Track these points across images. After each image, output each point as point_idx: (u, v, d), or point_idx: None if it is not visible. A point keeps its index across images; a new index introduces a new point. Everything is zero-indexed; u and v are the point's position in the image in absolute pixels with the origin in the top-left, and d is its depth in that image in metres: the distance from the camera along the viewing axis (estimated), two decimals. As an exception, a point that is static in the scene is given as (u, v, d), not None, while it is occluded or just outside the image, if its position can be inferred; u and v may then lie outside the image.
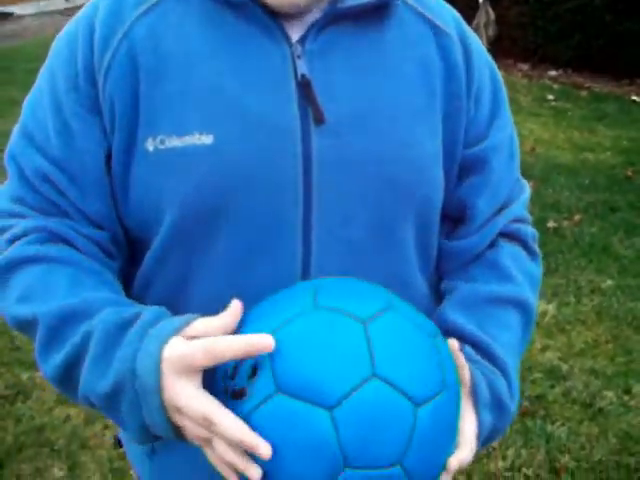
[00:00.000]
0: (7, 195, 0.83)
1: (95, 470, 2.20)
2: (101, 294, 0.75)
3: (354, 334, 0.63)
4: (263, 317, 0.67)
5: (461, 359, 0.77)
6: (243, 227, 0.76)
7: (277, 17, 0.76)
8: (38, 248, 0.77)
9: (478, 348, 0.83)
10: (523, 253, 0.92)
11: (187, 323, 0.68)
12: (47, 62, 0.83)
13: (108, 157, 0.79)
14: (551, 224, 3.78)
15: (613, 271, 3.35)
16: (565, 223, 3.80)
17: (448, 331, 0.83)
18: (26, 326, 0.76)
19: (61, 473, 2.19)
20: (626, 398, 2.53)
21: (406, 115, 0.80)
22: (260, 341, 0.62)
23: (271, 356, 0.62)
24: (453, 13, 0.88)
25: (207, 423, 0.64)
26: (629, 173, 4.44)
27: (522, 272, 0.90)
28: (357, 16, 0.77)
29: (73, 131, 0.77)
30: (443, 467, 0.70)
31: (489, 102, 0.88)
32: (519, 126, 4.80)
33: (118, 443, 1.07)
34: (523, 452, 2.27)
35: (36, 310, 0.73)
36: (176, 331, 0.67)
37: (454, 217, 0.90)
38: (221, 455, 0.65)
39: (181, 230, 0.78)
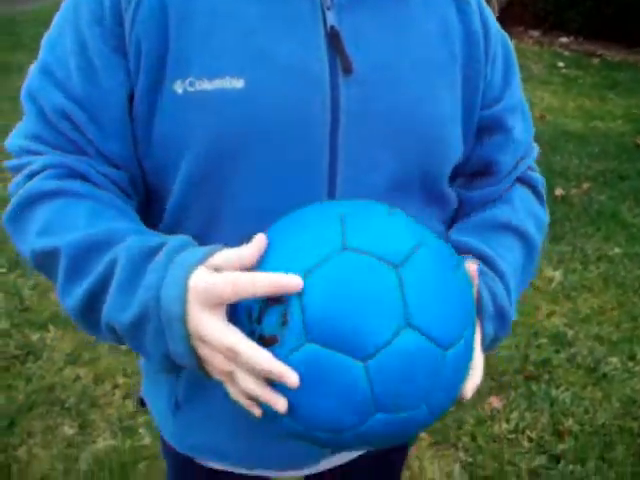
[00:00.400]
0: (23, 132, 0.82)
1: (105, 428, 2.24)
2: (124, 224, 0.75)
3: (387, 282, 0.61)
4: (289, 253, 0.64)
5: (476, 281, 0.78)
6: (269, 172, 0.77)
7: None
8: (57, 183, 0.76)
9: (482, 259, 0.87)
10: (532, 197, 0.98)
11: (212, 253, 0.68)
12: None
13: (129, 98, 0.78)
14: (559, 192, 3.77)
15: (621, 239, 3.35)
16: (573, 191, 3.79)
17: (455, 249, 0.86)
18: (47, 260, 0.75)
19: (71, 431, 2.22)
20: (630, 364, 2.55)
21: (428, 70, 0.82)
22: (289, 282, 0.61)
23: (302, 305, 0.61)
24: None
25: (232, 354, 0.63)
26: (639, 141, 4.41)
27: (529, 212, 0.95)
28: None
29: (96, 69, 0.76)
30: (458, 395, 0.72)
31: (502, 66, 0.91)
32: (529, 93, 4.79)
33: (141, 403, 1.09)
34: (527, 415, 2.30)
35: (57, 242, 0.73)
36: (201, 260, 0.66)
37: (476, 172, 0.94)
38: (244, 387, 0.65)
39: (205, 174, 0.78)
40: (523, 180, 0.98)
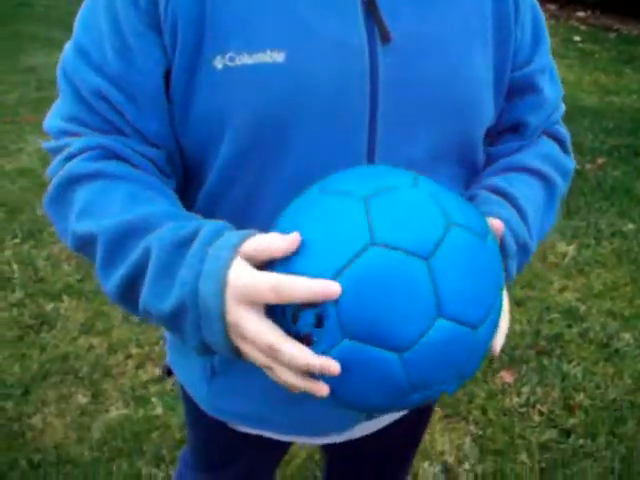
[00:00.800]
0: (60, 113, 0.82)
1: (118, 397, 2.26)
2: (159, 207, 0.75)
3: (418, 276, 0.61)
4: (318, 249, 0.64)
5: (500, 233, 0.79)
6: (310, 143, 0.77)
7: None
8: (95, 165, 0.77)
9: (502, 195, 0.88)
10: (557, 147, 0.99)
11: (245, 239, 0.67)
12: None
13: (166, 76, 0.77)
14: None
15: (635, 215, 3.32)
16: (588, 166, 3.76)
17: (478, 188, 0.90)
18: (85, 244, 0.76)
19: (85, 400, 2.25)
20: (643, 340, 2.54)
21: (462, 35, 0.82)
22: (328, 290, 0.61)
23: (336, 304, 0.61)
24: None
25: (272, 352, 0.64)
26: (655, 117, 4.36)
27: (552, 159, 0.96)
28: None
29: (132, 48, 0.76)
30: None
31: (531, 28, 0.91)
32: (544, 68, 4.68)
33: (167, 372, 1.10)
34: (538, 389, 2.30)
35: (94, 227, 0.73)
36: (234, 249, 0.66)
37: (504, 130, 0.96)
38: (285, 380, 0.66)
39: (247, 148, 0.77)
40: (549, 133, 0.99)
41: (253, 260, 0.66)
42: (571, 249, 3.06)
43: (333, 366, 0.62)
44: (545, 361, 2.43)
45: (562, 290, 2.80)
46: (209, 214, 0.82)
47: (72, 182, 0.77)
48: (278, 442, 1.05)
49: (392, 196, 0.65)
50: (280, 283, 0.63)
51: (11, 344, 2.48)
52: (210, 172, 0.82)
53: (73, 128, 0.80)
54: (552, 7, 6.72)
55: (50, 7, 6.81)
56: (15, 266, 2.91)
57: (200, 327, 0.68)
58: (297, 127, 0.76)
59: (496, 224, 0.77)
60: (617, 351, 2.49)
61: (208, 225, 0.71)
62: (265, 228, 0.71)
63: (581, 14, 6.57)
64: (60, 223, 0.80)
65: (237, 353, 0.69)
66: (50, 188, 0.79)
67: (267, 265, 0.66)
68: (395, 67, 0.77)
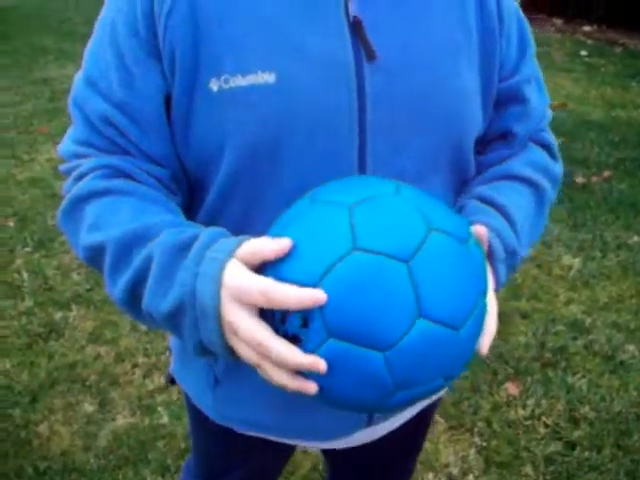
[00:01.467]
0: (72, 138, 0.88)
1: (124, 406, 2.28)
2: (163, 217, 0.79)
3: (398, 279, 0.64)
4: (305, 253, 0.67)
5: (485, 239, 0.81)
6: (304, 159, 0.80)
7: None
8: (104, 182, 0.82)
9: (490, 204, 0.90)
10: (545, 154, 1.01)
11: (239, 244, 0.71)
12: (105, 12, 0.85)
13: (167, 100, 0.82)
14: (580, 179, 3.75)
15: (641, 228, 3.34)
16: (594, 179, 3.77)
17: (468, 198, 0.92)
18: (95, 255, 0.80)
19: (91, 408, 2.27)
20: (648, 352, 2.54)
21: (448, 49, 0.84)
22: (312, 297, 0.64)
23: (321, 309, 0.64)
24: None
25: (262, 349, 0.67)
26: (661, 130, 4.37)
27: (541, 165, 0.98)
28: None
29: (134, 76, 0.81)
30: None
31: (517, 38, 0.93)
32: (550, 81, 4.75)
33: (170, 380, 1.13)
34: (543, 402, 2.31)
35: (103, 237, 0.78)
36: (230, 253, 0.70)
37: (492, 139, 0.98)
38: (275, 378, 0.69)
39: (244, 166, 0.81)
40: (536, 140, 1.01)
41: (248, 263, 0.69)
42: (577, 262, 3.06)
43: (320, 364, 0.65)
44: (550, 373, 2.43)
45: (568, 302, 2.81)
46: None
47: (82, 199, 0.82)
48: (281, 446, 1.07)
49: (375, 203, 0.68)
50: (270, 290, 0.66)
51: (20, 352, 2.51)
52: (211, 189, 0.86)
53: (83, 151, 0.86)
54: (558, 22, 6.75)
55: (63, 21, 6.90)
56: (25, 275, 2.94)
57: (198, 327, 0.71)
58: (290, 144, 0.79)
59: (480, 230, 0.79)
60: (622, 363, 2.49)
61: (207, 230, 0.75)
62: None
63: (587, 28, 6.60)
64: (73, 237, 0.84)
65: (232, 353, 0.72)
66: (63, 205, 0.84)
67: (259, 267, 0.69)
68: (382, 83, 0.80)
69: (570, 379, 2.40)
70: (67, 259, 3.06)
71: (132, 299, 0.78)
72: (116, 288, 0.78)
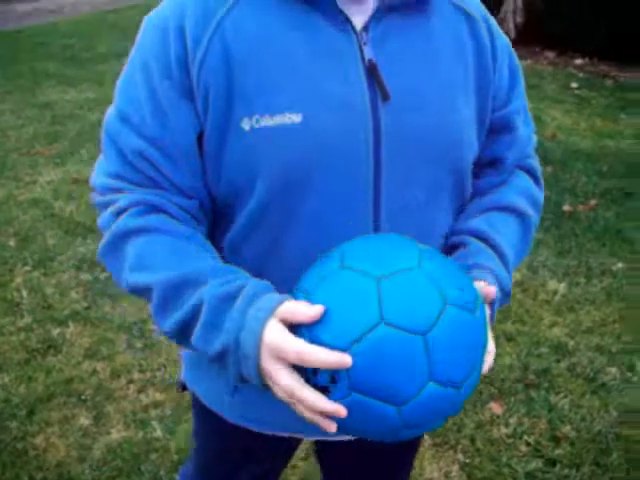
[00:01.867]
0: (105, 172, 0.95)
1: (119, 420, 2.34)
2: (206, 263, 0.89)
3: (415, 350, 0.76)
4: (337, 322, 0.78)
5: (492, 296, 0.91)
6: (326, 191, 0.90)
7: (342, 2, 0.89)
8: (141, 221, 0.90)
9: (488, 243, 1.01)
10: (531, 181, 1.11)
11: (280, 303, 0.81)
12: (137, 52, 0.93)
13: (199, 136, 0.90)
14: (567, 208, 3.84)
15: (625, 254, 3.42)
16: (580, 207, 3.87)
17: (467, 232, 1.02)
18: (141, 292, 0.91)
19: (87, 422, 2.33)
20: (629, 374, 2.62)
21: (450, 88, 0.95)
22: (340, 361, 0.75)
23: (348, 370, 0.76)
24: (477, 1, 1.03)
25: (295, 397, 0.79)
26: (648, 161, 4.48)
27: (528, 194, 1.08)
28: (406, 6, 0.91)
29: (167, 114, 0.89)
30: None
31: (508, 74, 1.04)
32: (542, 112, 4.88)
33: (182, 387, 1.22)
34: (525, 420, 2.38)
35: (149, 279, 0.88)
36: (271, 311, 0.80)
37: (486, 164, 1.08)
38: (303, 414, 0.80)
39: (272, 199, 0.90)
40: (523, 167, 1.10)
41: (285, 321, 0.80)
42: (562, 287, 3.15)
43: (342, 411, 0.76)
44: (533, 393, 2.50)
45: (552, 326, 2.89)
46: (235, 254, 0.97)
47: (122, 237, 0.91)
48: (286, 447, 1.21)
49: (400, 279, 0.79)
50: (304, 351, 0.76)
51: (18, 366, 2.58)
52: (238, 218, 0.95)
53: (118, 185, 0.93)
54: (551, 55, 6.91)
55: (65, 47, 7.04)
56: (24, 292, 3.02)
57: (239, 367, 0.83)
58: (315, 177, 0.89)
59: (489, 293, 0.90)
60: (604, 385, 2.56)
61: (250, 284, 0.86)
62: (286, 270, 0.89)
63: (579, 61, 6.75)
64: (114, 271, 0.94)
65: (267, 388, 0.84)
66: (104, 241, 0.93)
67: (296, 326, 0.80)
68: (394, 121, 0.90)
69: (552, 399, 2.48)
70: (65, 277, 3.14)
71: (180, 335, 0.89)
72: (165, 323, 0.89)
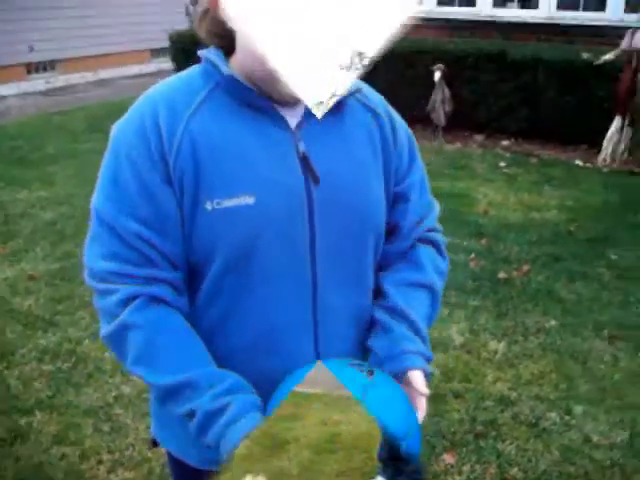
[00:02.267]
0: (101, 255, 1.09)
1: (91, 499, 2.41)
2: (200, 370, 1.07)
3: None
4: None
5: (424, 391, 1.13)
6: (274, 254, 1.10)
7: (280, 108, 1.10)
8: (141, 316, 1.07)
9: (407, 321, 1.20)
10: (435, 253, 1.31)
11: (253, 428, 0.99)
12: (116, 145, 1.10)
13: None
14: (502, 275, 4.14)
15: (557, 312, 3.70)
16: (515, 273, 4.16)
17: (387, 308, 1.22)
18: (144, 381, 1.10)
19: (59, 504, 2.39)
20: (567, 418, 2.83)
21: (364, 170, 1.19)
22: None
23: None
24: (381, 99, 1.28)
25: None
26: (572, 228, 4.86)
27: (434, 267, 1.28)
28: (331, 110, 1.14)
29: (154, 193, 1.06)
30: None
31: (407, 155, 1.28)
32: (474, 191, 5.26)
33: (153, 443, 1.37)
34: (477, 467, 2.55)
35: (149, 378, 1.07)
36: (244, 435, 0.97)
37: (388, 231, 1.28)
38: None
39: (230, 264, 1.09)
40: (427, 240, 1.29)
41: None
42: (502, 346, 3.39)
43: None
44: (482, 443, 2.69)
45: (495, 381, 3.10)
46: (204, 318, 1.15)
47: (125, 329, 1.08)
48: None
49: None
50: None
51: (-13, 456, 2.63)
52: (205, 280, 1.13)
53: (116, 266, 1.08)
54: (479, 138, 7.41)
55: (13, 148, 7.19)
56: (-11, 385, 3.08)
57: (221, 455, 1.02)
58: (264, 244, 1.09)
59: (421, 408, 1.11)
60: (545, 429, 2.77)
61: (235, 404, 1.03)
62: (245, 332, 1.13)
63: (505, 142, 7.26)
64: (119, 356, 1.11)
65: None
66: (109, 330, 1.09)
67: None
68: (323, 200, 1.12)
69: (500, 446, 2.66)
70: (28, 369, 3.22)
71: (182, 417, 1.08)
72: (164, 406, 1.11)
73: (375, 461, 0.91)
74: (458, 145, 7.09)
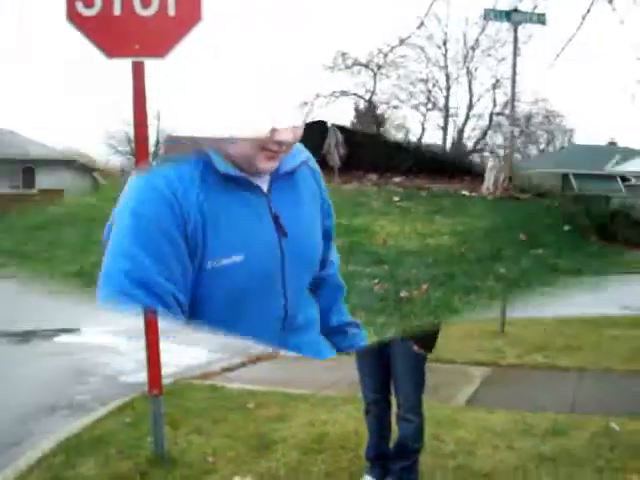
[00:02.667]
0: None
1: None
2: None
3: None
4: None
5: None
6: (259, 294, 1.34)
7: (255, 181, 1.33)
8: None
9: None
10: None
11: None
12: (141, 209, 1.25)
13: None
14: (404, 294, 4.50)
15: (454, 322, 4.07)
16: (415, 292, 4.54)
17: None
18: None
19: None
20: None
21: (314, 223, 1.45)
22: None
23: None
24: (312, 158, 1.50)
25: None
26: (463, 250, 5.32)
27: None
28: (286, 176, 1.39)
29: (183, 260, 1.26)
30: None
31: (326, 200, 1.56)
32: (372, 224, 5.66)
33: None
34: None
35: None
36: None
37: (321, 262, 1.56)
38: None
39: (229, 307, 1.31)
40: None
41: None
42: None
43: None
44: None
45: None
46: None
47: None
48: None
49: None
50: None
51: None
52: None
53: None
54: (373, 177, 7.87)
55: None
56: None
57: None
58: (249, 288, 1.30)
59: None
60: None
61: None
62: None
63: (398, 179, 7.76)
64: None
65: None
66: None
67: None
68: (289, 248, 1.35)
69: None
70: None
71: None
72: None
73: (362, 460, 1.02)
74: (354, 184, 7.49)
